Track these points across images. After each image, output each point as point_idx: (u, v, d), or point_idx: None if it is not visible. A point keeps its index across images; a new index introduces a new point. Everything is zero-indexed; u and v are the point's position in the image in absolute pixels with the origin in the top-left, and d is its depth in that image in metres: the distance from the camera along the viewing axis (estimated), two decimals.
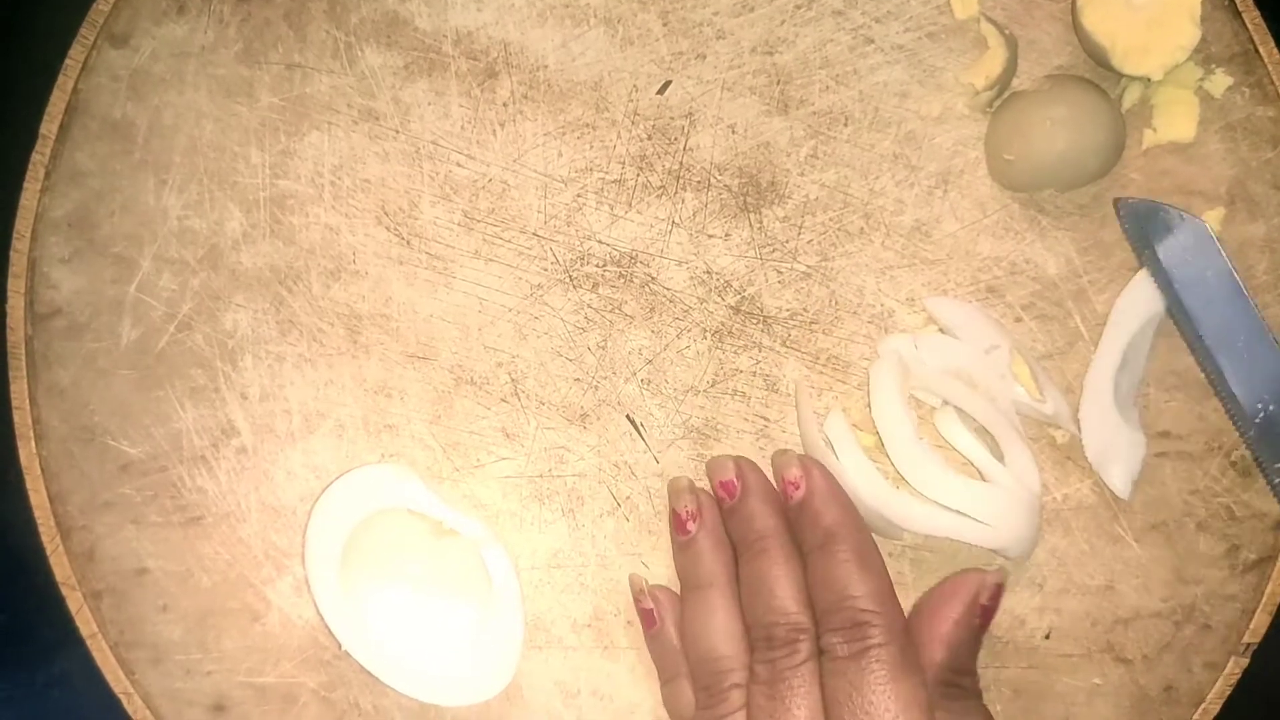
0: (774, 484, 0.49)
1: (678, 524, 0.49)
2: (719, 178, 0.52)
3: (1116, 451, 0.50)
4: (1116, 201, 0.51)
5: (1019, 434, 0.50)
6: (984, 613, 0.47)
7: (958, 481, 0.48)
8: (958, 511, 0.48)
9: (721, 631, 0.46)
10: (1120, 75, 0.51)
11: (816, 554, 0.46)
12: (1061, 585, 0.51)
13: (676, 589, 0.50)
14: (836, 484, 0.48)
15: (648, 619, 0.49)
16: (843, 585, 0.45)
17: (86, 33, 0.52)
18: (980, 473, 0.50)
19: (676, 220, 0.52)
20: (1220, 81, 0.52)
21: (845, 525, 0.46)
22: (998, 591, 0.47)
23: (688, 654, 0.47)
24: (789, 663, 0.45)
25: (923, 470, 0.48)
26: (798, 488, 0.47)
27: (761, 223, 0.52)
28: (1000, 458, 0.50)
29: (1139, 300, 0.51)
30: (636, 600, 0.49)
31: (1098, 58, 0.51)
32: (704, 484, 0.50)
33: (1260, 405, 0.49)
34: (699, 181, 0.52)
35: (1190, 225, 0.49)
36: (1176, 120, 0.52)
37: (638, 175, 0.52)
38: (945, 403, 0.51)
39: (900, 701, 0.43)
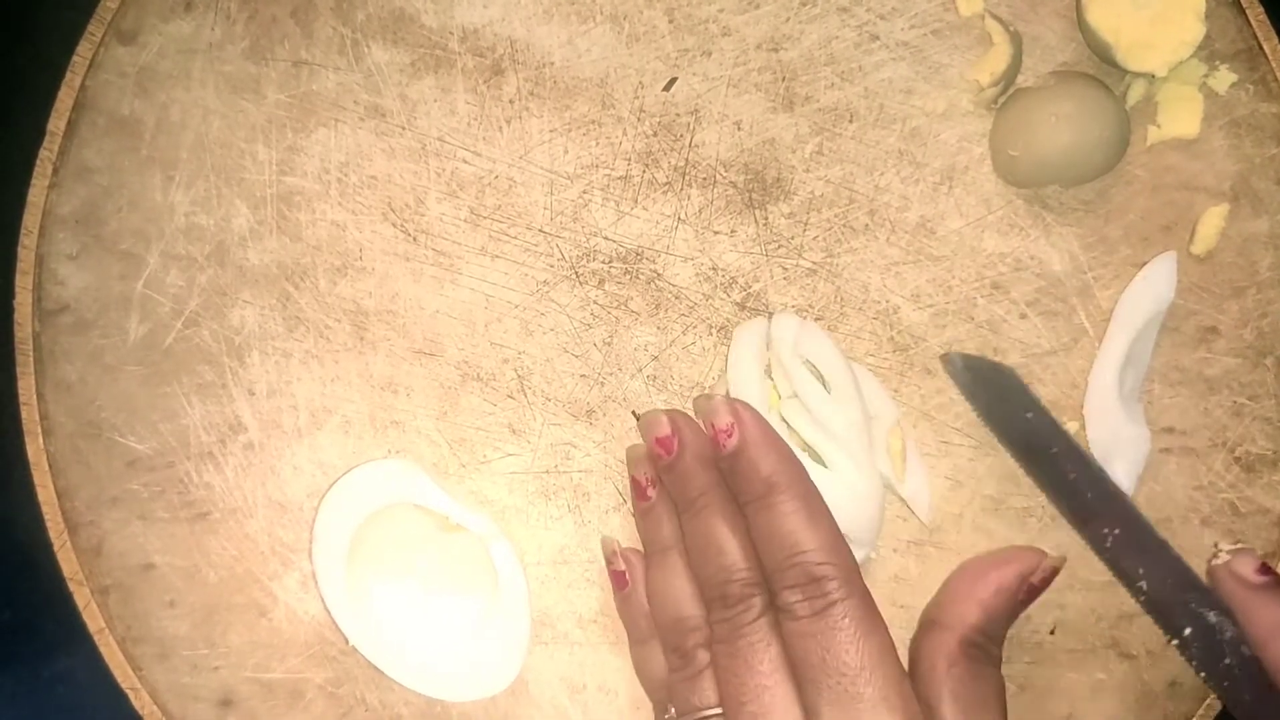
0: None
1: (638, 491, 0.48)
2: (724, 174, 0.52)
3: (1120, 447, 0.51)
4: (944, 358, 0.51)
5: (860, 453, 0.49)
6: (1030, 590, 0.46)
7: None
8: None
9: (683, 592, 0.46)
10: (1124, 72, 0.51)
11: (758, 506, 0.44)
12: (1066, 581, 0.51)
13: None
14: (771, 429, 0.45)
15: (619, 580, 0.48)
16: (791, 539, 0.43)
17: (94, 30, 0.52)
18: (822, 459, 0.49)
19: (682, 217, 0.52)
20: (1224, 78, 0.52)
21: (785, 473, 0.44)
22: (1051, 575, 0.47)
23: (656, 618, 0.47)
24: (745, 619, 0.44)
25: None
26: (730, 435, 0.44)
27: (767, 219, 0.52)
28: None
29: (1144, 296, 0.51)
30: (608, 562, 0.49)
31: (1102, 54, 0.51)
32: None
33: (1106, 531, 0.48)
34: (704, 178, 0.52)
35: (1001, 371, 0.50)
36: (1180, 116, 0.52)
37: (643, 172, 0.52)
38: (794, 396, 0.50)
39: (874, 655, 0.42)
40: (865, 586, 0.44)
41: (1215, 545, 0.46)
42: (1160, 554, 0.48)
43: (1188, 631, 0.46)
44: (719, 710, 0.44)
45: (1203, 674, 0.46)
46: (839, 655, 0.42)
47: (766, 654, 0.43)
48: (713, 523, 0.45)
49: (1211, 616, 0.46)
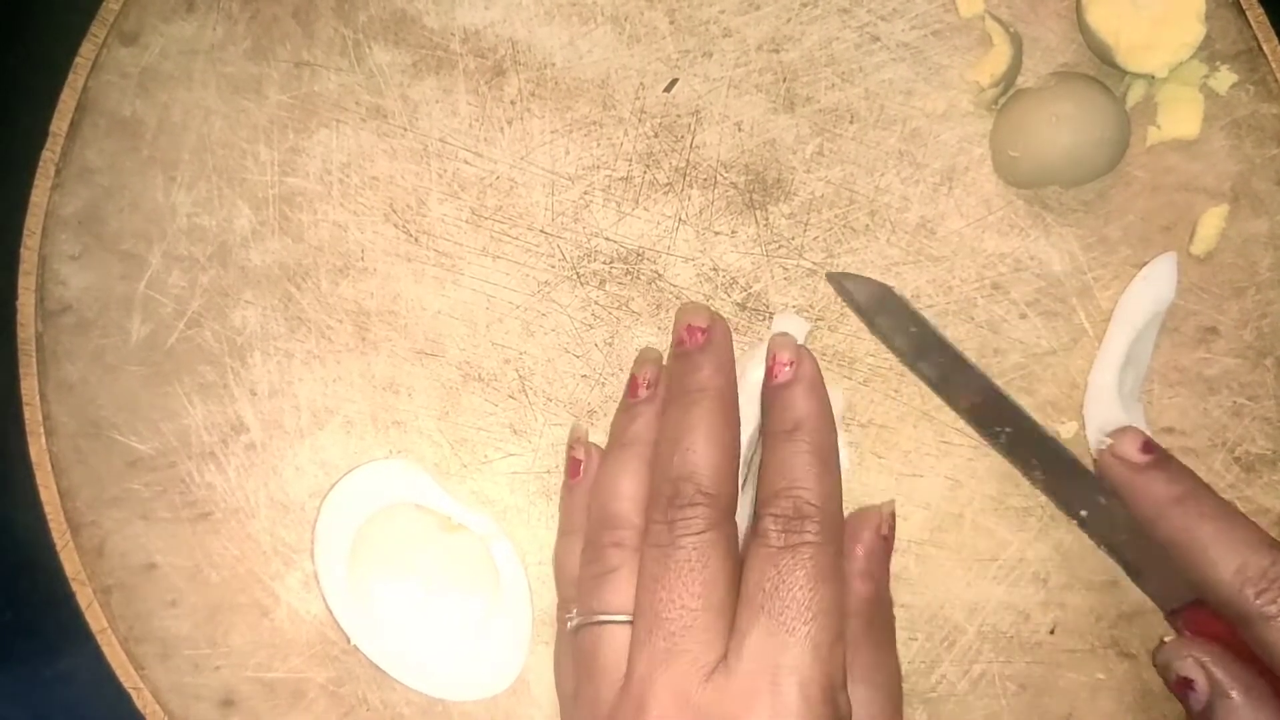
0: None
1: (632, 387, 0.47)
2: (725, 175, 0.52)
3: None
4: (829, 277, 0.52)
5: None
6: (886, 544, 0.48)
7: None
8: None
9: (625, 491, 0.45)
10: (1125, 72, 0.51)
11: (780, 438, 0.44)
12: (1065, 581, 0.51)
13: None
14: (823, 381, 0.46)
15: (573, 468, 0.48)
16: (794, 475, 0.43)
17: (96, 30, 0.52)
18: None
19: (683, 217, 0.52)
20: (1224, 79, 0.52)
21: (818, 419, 0.45)
22: (893, 520, 0.48)
23: (590, 510, 0.46)
24: (688, 527, 0.42)
25: None
26: (788, 366, 0.45)
27: (768, 220, 0.52)
28: None
29: (1143, 296, 0.51)
30: (570, 447, 0.49)
31: (1102, 55, 0.51)
32: None
33: (999, 429, 0.50)
34: (705, 179, 0.52)
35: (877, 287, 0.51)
36: (1181, 117, 0.52)
37: (644, 172, 0.52)
38: None
39: (821, 604, 0.41)
40: (842, 546, 0.44)
41: (1100, 431, 0.49)
42: (1050, 446, 0.49)
43: (1084, 513, 0.49)
44: (624, 618, 0.43)
45: (1103, 548, 0.49)
46: (791, 588, 0.41)
47: (701, 574, 0.42)
48: (701, 416, 0.44)
49: (1102, 499, 0.49)
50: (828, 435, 0.45)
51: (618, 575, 0.44)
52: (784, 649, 0.40)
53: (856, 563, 0.47)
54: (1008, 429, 0.50)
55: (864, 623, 0.46)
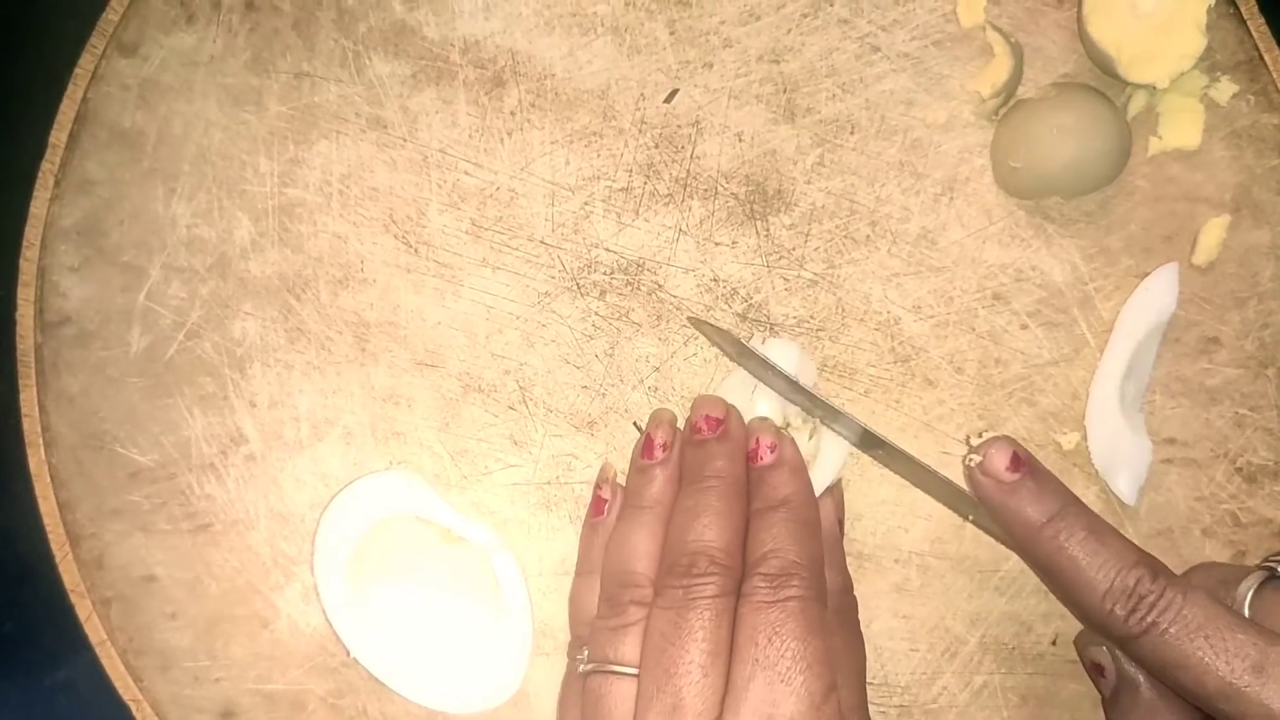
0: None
1: (648, 448, 0.48)
2: (726, 186, 0.52)
3: (1122, 458, 0.51)
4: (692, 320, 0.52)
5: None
6: (840, 526, 0.50)
7: None
8: None
9: (642, 550, 0.46)
10: (1126, 83, 0.51)
11: (767, 513, 0.46)
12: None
13: None
14: (803, 460, 0.48)
15: (597, 506, 0.49)
16: (781, 540, 0.45)
17: (96, 42, 0.52)
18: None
19: (683, 228, 0.52)
20: (1225, 89, 0.52)
21: (801, 496, 0.47)
22: (841, 503, 0.50)
23: (606, 563, 0.47)
24: (701, 593, 0.44)
25: None
26: (772, 451, 0.47)
27: (768, 230, 0.52)
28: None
29: (1145, 307, 0.51)
30: (598, 486, 0.50)
31: (1103, 65, 0.51)
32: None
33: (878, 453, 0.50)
34: (706, 189, 0.52)
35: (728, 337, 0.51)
36: (1182, 127, 0.52)
37: (645, 183, 0.52)
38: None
39: (814, 654, 0.42)
40: (826, 604, 0.45)
41: (967, 440, 0.48)
42: (920, 470, 0.49)
43: (971, 517, 0.49)
44: (633, 671, 0.44)
45: (998, 539, 0.49)
46: (785, 639, 0.42)
47: (711, 637, 0.43)
48: (715, 501, 0.46)
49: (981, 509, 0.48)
50: (810, 510, 0.47)
51: (634, 630, 0.45)
52: (781, 700, 0.41)
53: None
54: (879, 452, 0.50)
55: (838, 612, 0.47)
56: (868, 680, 0.50)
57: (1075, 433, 0.51)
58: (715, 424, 0.48)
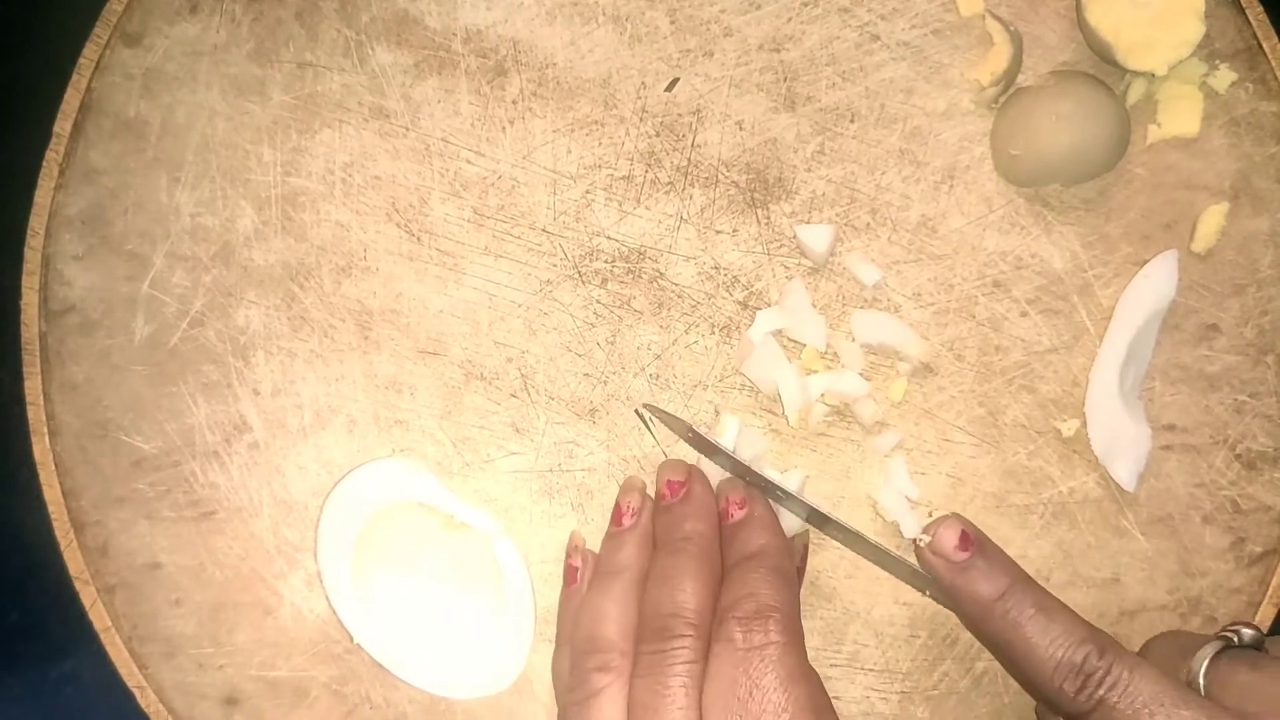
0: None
1: (616, 516, 0.49)
2: (726, 174, 0.52)
3: (1122, 445, 0.51)
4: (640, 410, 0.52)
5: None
6: (800, 572, 0.50)
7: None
8: None
9: (611, 617, 0.46)
10: (1125, 71, 0.51)
11: (742, 566, 0.46)
12: (1067, 578, 0.51)
13: None
14: (775, 516, 0.49)
15: (570, 575, 0.50)
16: (756, 585, 0.45)
17: (100, 32, 0.52)
18: None
19: (684, 216, 0.52)
20: (1224, 77, 0.52)
21: (774, 549, 0.47)
22: (806, 552, 0.51)
23: (574, 631, 0.47)
24: (677, 658, 0.44)
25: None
26: (741, 508, 0.48)
27: (769, 218, 0.52)
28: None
29: (1144, 294, 0.51)
30: (568, 555, 0.50)
31: (1102, 54, 0.51)
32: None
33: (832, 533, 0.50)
34: (707, 178, 0.52)
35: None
36: (1181, 115, 0.52)
37: (646, 172, 0.52)
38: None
39: (800, 702, 0.42)
40: (804, 648, 0.44)
41: (923, 519, 0.47)
42: (874, 549, 0.48)
43: (928, 592, 0.48)
44: None
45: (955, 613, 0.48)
46: (766, 691, 0.42)
47: (688, 699, 0.43)
48: (686, 561, 0.46)
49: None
50: (784, 560, 0.47)
51: (601, 698, 0.44)
52: None
53: None
54: (835, 535, 0.50)
55: None
56: (870, 668, 0.51)
57: (1075, 419, 0.51)
58: (678, 487, 0.49)
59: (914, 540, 0.46)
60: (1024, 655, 0.43)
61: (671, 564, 0.46)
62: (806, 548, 0.51)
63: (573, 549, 0.50)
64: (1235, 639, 0.43)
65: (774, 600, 0.44)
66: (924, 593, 0.49)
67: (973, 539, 0.45)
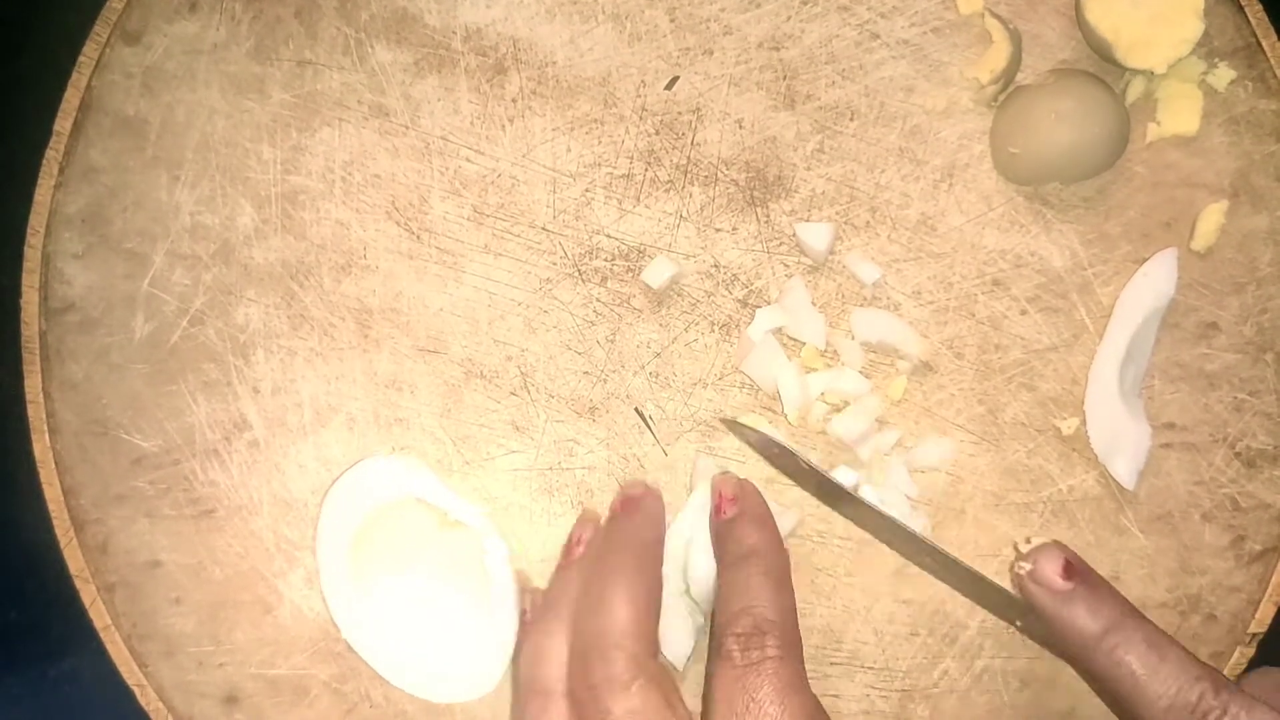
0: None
1: (568, 548, 0.49)
2: (726, 172, 0.52)
3: (1121, 443, 0.51)
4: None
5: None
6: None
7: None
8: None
9: (553, 657, 0.46)
10: (1124, 69, 0.51)
11: (734, 565, 0.46)
12: None
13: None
14: (768, 509, 0.48)
15: (571, 550, 0.49)
16: (751, 595, 0.45)
17: (100, 30, 0.52)
18: None
19: (684, 214, 0.52)
20: (1224, 75, 0.52)
21: (767, 546, 0.47)
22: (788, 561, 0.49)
23: (518, 672, 0.47)
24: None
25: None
26: (733, 503, 0.48)
27: (768, 217, 0.52)
28: None
29: (1144, 292, 0.51)
30: (576, 528, 0.50)
31: (1102, 52, 0.51)
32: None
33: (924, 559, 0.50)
34: (706, 176, 0.52)
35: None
36: (1180, 114, 0.52)
37: (646, 170, 0.52)
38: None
39: (790, 714, 0.42)
40: (802, 659, 0.44)
41: (1015, 547, 0.46)
42: (967, 576, 0.48)
43: (1019, 623, 0.48)
44: None
45: (1047, 647, 0.48)
46: (763, 705, 0.42)
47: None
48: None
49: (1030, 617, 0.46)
50: (779, 559, 0.46)
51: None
52: None
53: None
54: (926, 559, 0.50)
55: None
56: (870, 666, 0.51)
57: (1074, 418, 0.51)
58: (632, 503, 0.48)
59: (1012, 567, 0.45)
60: (1132, 691, 0.42)
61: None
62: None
63: (583, 522, 0.50)
64: None
65: (770, 613, 0.44)
66: (1014, 624, 0.48)
67: (1077, 568, 0.44)
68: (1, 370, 0.53)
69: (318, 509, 0.51)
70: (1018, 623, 0.48)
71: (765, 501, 0.48)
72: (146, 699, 0.51)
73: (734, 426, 0.51)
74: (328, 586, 0.51)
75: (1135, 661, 0.42)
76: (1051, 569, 0.43)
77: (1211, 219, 0.52)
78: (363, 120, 0.53)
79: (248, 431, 0.52)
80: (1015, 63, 0.52)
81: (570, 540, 0.49)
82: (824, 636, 0.51)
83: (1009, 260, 0.52)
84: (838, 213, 0.52)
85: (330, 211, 0.52)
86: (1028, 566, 0.44)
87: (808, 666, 0.48)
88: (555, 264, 0.52)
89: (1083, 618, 0.43)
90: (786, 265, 0.52)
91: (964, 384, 0.52)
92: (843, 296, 0.52)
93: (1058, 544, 0.44)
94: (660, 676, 0.44)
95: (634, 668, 0.43)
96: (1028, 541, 0.45)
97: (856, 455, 0.51)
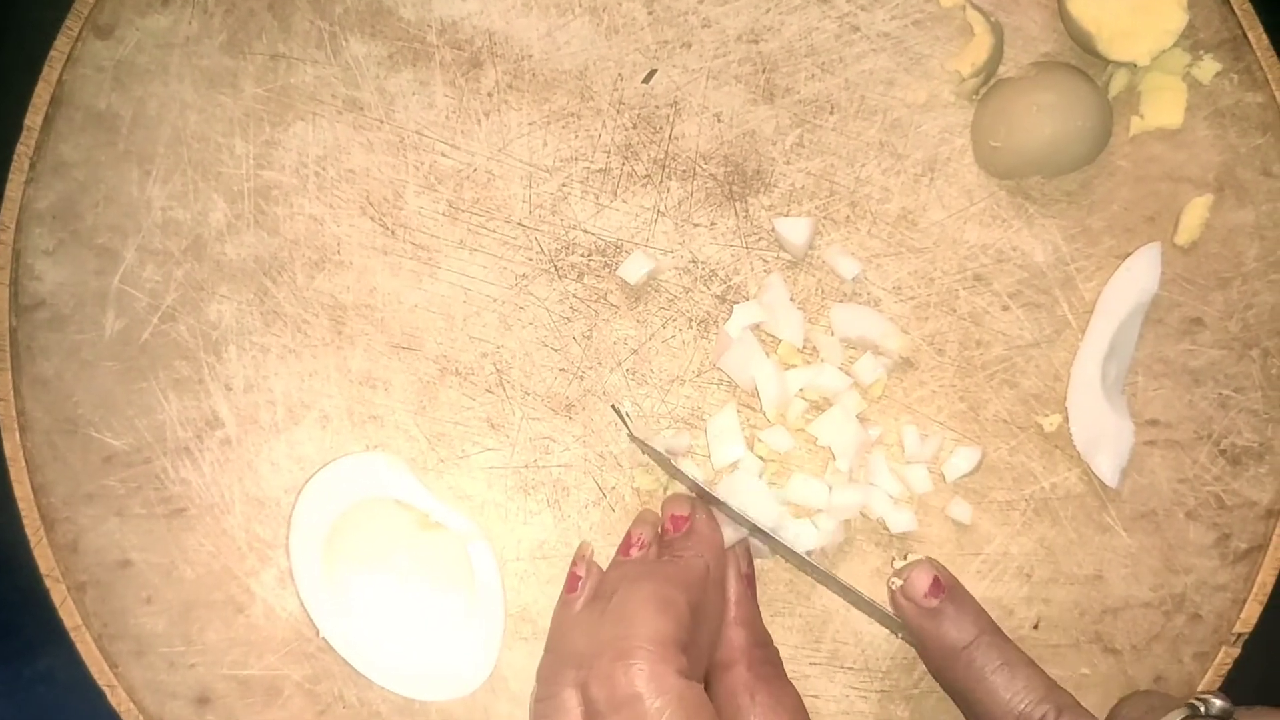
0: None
1: (625, 545, 0.49)
2: (704, 166, 0.52)
3: (1104, 440, 0.50)
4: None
5: None
6: (749, 580, 0.49)
7: None
8: None
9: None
10: (1107, 61, 0.51)
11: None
12: (1049, 575, 0.50)
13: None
14: (716, 526, 0.48)
15: (571, 583, 0.48)
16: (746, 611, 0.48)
17: (71, 24, 0.52)
18: None
19: (662, 209, 0.52)
20: (1208, 67, 0.52)
21: (719, 567, 0.48)
22: (750, 557, 0.50)
23: (559, 642, 0.47)
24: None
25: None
26: (686, 521, 0.48)
27: (747, 211, 0.52)
28: None
29: (1127, 287, 0.51)
30: (574, 563, 0.49)
31: (1084, 44, 0.51)
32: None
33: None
34: (684, 170, 0.52)
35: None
36: (1164, 106, 0.51)
37: (623, 164, 0.52)
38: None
39: (666, 702, 0.41)
40: (682, 661, 0.43)
41: (891, 563, 0.49)
42: (849, 592, 0.49)
43: (901, 635, 0.49)
44: None
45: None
46: (641, 698, 0.41)
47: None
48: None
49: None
50: (719, 572, 0.48)
51: (567, 703, 0.43)
52: None
53: (729, 611, 0.48)
54: (816, 577, 0.50)
55: (749, 667, 0.47)
56: (849, 666, 0.50)
57: (1057, 414, 0.51)
58: (681, 521, 0.48)
59: (888, 582, 0.47)
60: (984, 707, 0.44)
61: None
62: (749, 551, 0.50)
63: (579, 558, 0.49)
64: (1203, 708, 0.42)
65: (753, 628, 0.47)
66: (898, 635, 0.50)
67: (944, 585, 0.46)
68: None
69: (290, 508, 0.50)
70: (900, 634, 0.49)
71: (715, 521, 0.48)
72: (117, 699, 0.50)
73: (644, 446, 0.50)
74: (302, 584, 0.50)
75: (990, 676, 0.44)
76: (920, 585, 0.46)
77: (1196, 213, 0.51)
78: (336, 114, 0.52)
79: (220, 429, 0.51)
80: (997, 56, 0.51)
81: (630, 538, 0.49)
82: (803, 636, 0.50)
83: (991, 255, 0.51)
84: (817, 207, 0.52)
85: (304, 207, 0.52)
86: (899, 582, 0.46)
87: (788, 667, 0.48)
88: (531, 260, 0.52)
89: (946, 632, 0.45)
90: (765, 261, 0.51)
91: (945, 380, 0.51)
92: (822, 292, 0.51)
93: (929, 561, 0.47)
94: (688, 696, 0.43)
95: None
96: (904, 558, 0.48)
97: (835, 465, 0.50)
